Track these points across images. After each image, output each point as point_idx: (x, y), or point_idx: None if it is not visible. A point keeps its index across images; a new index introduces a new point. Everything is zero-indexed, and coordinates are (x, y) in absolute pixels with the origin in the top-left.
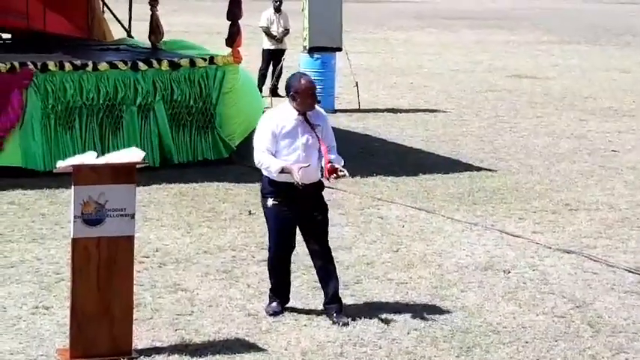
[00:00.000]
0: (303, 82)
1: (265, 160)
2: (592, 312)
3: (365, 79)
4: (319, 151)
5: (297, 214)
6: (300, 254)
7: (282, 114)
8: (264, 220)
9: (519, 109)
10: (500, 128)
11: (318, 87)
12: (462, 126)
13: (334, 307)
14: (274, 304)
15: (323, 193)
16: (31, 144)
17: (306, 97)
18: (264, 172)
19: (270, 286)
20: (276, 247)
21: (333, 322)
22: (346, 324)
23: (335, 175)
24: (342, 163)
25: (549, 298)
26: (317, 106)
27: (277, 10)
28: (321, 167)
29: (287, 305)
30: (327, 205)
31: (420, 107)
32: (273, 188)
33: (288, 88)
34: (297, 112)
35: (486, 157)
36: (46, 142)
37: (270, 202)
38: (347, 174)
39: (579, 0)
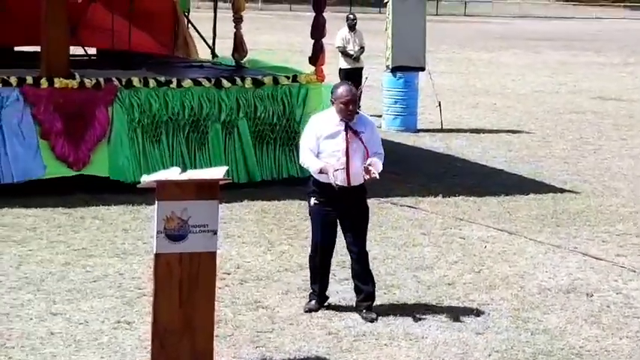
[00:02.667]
0: (340, 90)
1: (307, 160)
2: None
3: (448, 99)
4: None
5: (337, 213)
6: (382, 274)
7: (325, 118)
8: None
9: (603, 131)
10: (584, 150)
11: (400, 106)
12: (546, 147)
13: (365, 305)
14: (313, 302)
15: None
16: (120, 157)
17: (341, 104)
18: (310, 172)
19: (310, 285)
20: (318, 244)
21: (363, 318)
22: (374, 319)
23: (368, 176)
24: (380, 168)
25: (633, 322)
26: (363, 114)
27: (352, 28)
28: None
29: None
30: (368, 207)
31: (503, 128)
32: (316, 188)
33: (331, 94)
34: (339, 118)
35: (570, 178)
36: (135, 154)
37: (312, 201)
38: (377, 176)
39: None
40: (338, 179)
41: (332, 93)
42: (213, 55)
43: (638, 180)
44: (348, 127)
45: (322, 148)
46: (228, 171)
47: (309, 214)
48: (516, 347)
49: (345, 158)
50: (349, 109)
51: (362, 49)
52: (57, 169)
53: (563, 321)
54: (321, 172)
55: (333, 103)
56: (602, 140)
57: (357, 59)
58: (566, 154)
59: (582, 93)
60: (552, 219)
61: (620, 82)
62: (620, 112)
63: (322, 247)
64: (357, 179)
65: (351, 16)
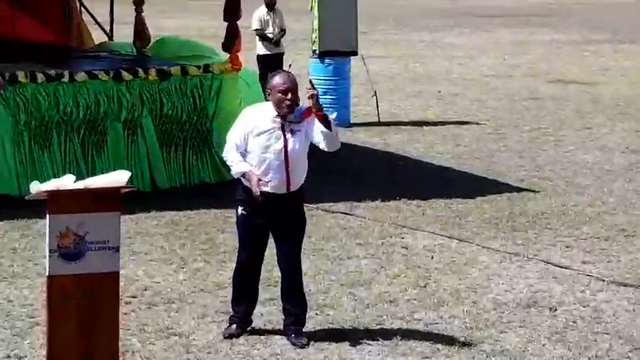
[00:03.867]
0: (277, 77)
1: (231, 158)
2: None
3: (385, 87)
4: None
5: (268, 224)
6: (314, 291)
7: (260, 112)
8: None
9: (565, 120)
10: (544, 142)
11: (330, 97)
12: (499, 140)
13: (294, 328)
14: (233, 326)
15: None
16: (3, 166)
17: (279, 92)
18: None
19: (231, 307)
20: (245, 259)
21: (292, 343)
22: (305, 345)
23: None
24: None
25: (603, 339)
26: (302, 105)
27: (271, 7)
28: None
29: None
30: (305, 218)
31: (449, 119)
32: (245, 196)
33: (267, 83)
34: (275, 114)
35: (528, 175)
36: (20, 162)
37: (239, 210)
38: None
39: None
40: (274, 187)
41: (268, 83)
42: (110, 39)
43: (606, 175)
44: (285, 125)
45: (251, 146)
46: (131, 178)
47: (236, 225)
48: None
49: (277, 161)
50: (288, 99)
51: (283, 31)
52: None
53: (523, 340)
54: (243, 176)
55: (268, 95)
56: (563, 130)
57: (277, 43)
58: (522, 147)
59: (540, 76)
60: (508, 223)
61: (582, 63)
62: (583, 97)
63: (249, 262)
64: (298, 183)
65: None
